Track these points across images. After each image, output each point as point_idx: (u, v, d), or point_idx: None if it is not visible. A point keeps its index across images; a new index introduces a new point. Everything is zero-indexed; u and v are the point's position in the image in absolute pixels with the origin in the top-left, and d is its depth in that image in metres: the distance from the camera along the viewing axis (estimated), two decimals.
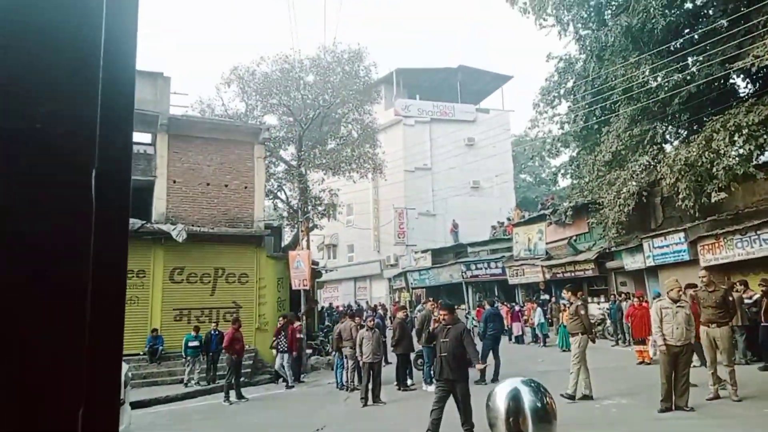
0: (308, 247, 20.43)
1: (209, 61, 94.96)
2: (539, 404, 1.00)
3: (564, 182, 26.97)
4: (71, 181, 0.62)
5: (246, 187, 17.99)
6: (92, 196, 0.62)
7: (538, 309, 19.73)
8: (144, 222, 15.19)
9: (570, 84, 19.57)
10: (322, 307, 23.13)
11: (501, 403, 1.00)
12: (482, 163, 35.21)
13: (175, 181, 16.30)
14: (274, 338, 14.55)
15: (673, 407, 7.48)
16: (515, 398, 1.00)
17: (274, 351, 14.54)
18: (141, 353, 14.64)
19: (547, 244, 23.65)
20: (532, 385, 1.03)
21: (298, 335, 14.97)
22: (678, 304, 7.65)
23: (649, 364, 11.84)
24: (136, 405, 11.13)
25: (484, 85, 39.15)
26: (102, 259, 0.62)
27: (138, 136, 16.91)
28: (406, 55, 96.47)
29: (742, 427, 6.63)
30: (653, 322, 7.84)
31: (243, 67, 20.75)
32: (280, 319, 14.89)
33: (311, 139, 22.13)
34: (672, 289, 7.77)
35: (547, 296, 23.38)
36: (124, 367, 4.58)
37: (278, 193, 23.39)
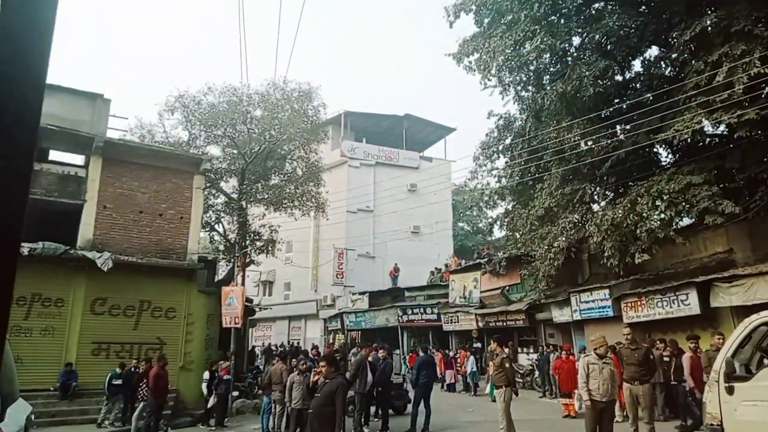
0: (243, 283, 19.83)
1: (154, 84, 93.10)
2: None
3: (499, 233, 27.80)
4: None
5: (182, 218, 17.44)
6: None
7: (471, 357, 19.91)
8: (67, 248, 14.33)
9: (508, 141, 20.46)
10: (252, 347, 22.30)
11: None
12: (423, 210, 35.84)
13: (105, 207, 15.58)
14: (138, 388, 12.65)
15: None
16: None
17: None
18: (51, 389, 13.55)
19: (481, 292, 24.08)
20: None
21: (225, 376, 14.31)
22: (604, 361, 7.87)
23: (574, 417, 12.10)
24: None
25: (428, 134, 40.35)
26: None
27: (70, 158, 16.15)
28: (354, 98, 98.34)
29: None
30: (580, 377, 8.02)
31: (189, 96, 20.42)
32: (143, 363, 13.08)
33: (254, 173, 21.86)
34: (600, 346, 7.98)
35: (479, 345, 23.65)
36: (27, 409, 4.21)
37: (216, 226, 22.78)
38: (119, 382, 13.55)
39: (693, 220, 14.04)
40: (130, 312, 15.63)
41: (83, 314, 14.71)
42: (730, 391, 6.14)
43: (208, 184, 19.24)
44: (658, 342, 12.16)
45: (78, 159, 16.27)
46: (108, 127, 16.24)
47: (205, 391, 14.12)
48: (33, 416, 4.40)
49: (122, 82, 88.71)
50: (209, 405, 14.13)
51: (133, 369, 13.98)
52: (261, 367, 19.76)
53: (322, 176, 24.81)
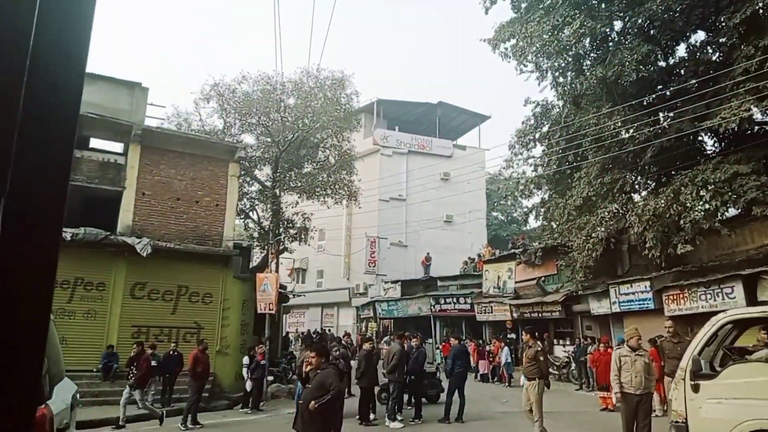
0: (277, 270, 20.07)
1: (190, 73, 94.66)
2: None
3: (535, 223, 27.41)
4: None
5: (217, 205, 17.68)
6: None
7: (505, 348, 19.71)
8: (108, 233, 14.71)
9: (545, 128, 20.03)
10: (287, 333, 22.60)
11: None
12: (456, 199, 35.53)
13: (144, 194, 15.91)
14: (128, 371, 12.34)
15: None
16: None
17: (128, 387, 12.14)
18: (94, 370, 13.99)
19: (516, 283, 23.81)
20: None
21: (261, 361, 14.51)
22: (637, 353, 7.71)
23: (612, 410, 11.85)
24: (84, 425, 10.56)
25: (461, 122, 39.85)
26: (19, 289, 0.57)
27: (110, 146, 16.52)
28: (387, 86, 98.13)
29: None
30: (612, 370, 7.92)
31: (224, 85, 20.63)
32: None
33: (288, 162, 21.99)
34: (631, 338, 7.88)
35: (514, 335, 23.43)
36: (72, 388, 4.32)
37: (250, 213, 23.05)
38: (153, 363, 13.89)
39: (740, 210, 13.48)
40: (168, 297, 15.99)
41: (123, 298, 15.11)
42: (696, 389, 6.24)
43: (242, 172, 19.44)
44: None
45: (117, 147, 16.63)
46: (146, 116, 16.54)
47: (245, 375, 14.37)
48: (78, 395, 4.50)
49: (159, 71, 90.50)
50: (248, 389, 14.38)
51: (171, 352, 14.31)
52: (295, 352, 19.98)
53: (354, 164, 24.80)
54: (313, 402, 5.95)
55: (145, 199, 15.96)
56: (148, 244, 15.22)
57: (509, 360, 19.37)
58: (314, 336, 22.19)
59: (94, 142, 16.44)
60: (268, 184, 21.68)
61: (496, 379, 20.10)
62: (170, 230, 16.38)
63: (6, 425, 0.51)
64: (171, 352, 14.30)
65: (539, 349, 9.86)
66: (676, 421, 6.43)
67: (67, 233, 13.68)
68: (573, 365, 18.08)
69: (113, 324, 14.83)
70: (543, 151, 20.65)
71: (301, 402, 6.33)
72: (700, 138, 16.37)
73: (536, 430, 9.03)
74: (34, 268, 0.59)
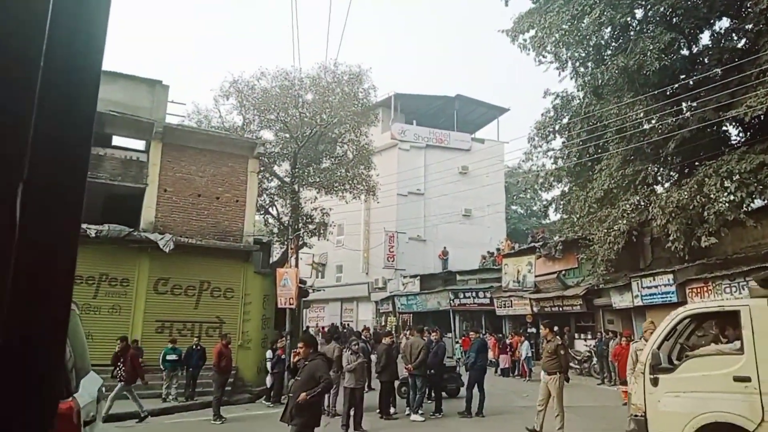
0: (297, 265, 20.21)
1: (208, 70, 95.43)
2: None
3: (555, 216, 27.16)
4: None
5: (237, 201, 17.85)
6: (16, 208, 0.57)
7: (525, 342, 19.61)
8: (131, 230, 14.95)
9: (565, 120, 19.82)
10: (307, 327, 22.78)
11: None
12: (475, 192, 35.34)
13: (166, 190, 16.12)
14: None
15: None
16: None
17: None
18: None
19: (536, 276, 23.66)
20: None
21: (282, 356, 14.65)
22: None
23: None
24: (110, 419, 10.79)
25: (479, 115, 39.59)
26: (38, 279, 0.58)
27: (131, 143, 16.78)
28: (403, 79, 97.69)
29: None
30: (628, 364, 7.92)
31: (243, 81, 20.75)
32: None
33: (306, 157, 22.09)
34: (647, 331, 7.89)
35: (534, 329, 23.30)
36: (98, 381, 4.42)
37: (269, 209, 23.21)
38: (173, 357, 14.13)
39: (766, 201, 13.20)
40: (190, 292, 16.21)
41: (147, 293, 15.36)
42: (655, 382, 6.35)
43: (261, 168, 19.58)
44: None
45: (139, 144, 16.88)
46: (166, 113, 16.74)
47: (270, 368, 14.57)
48: (104, 389, 4.60)
49: (177, 69, 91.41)
50: (268, 384, 14.56)
51: (194, 347, 14.52)
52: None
53: (372, 159, 24.82)
54: (304, 394, 5.97)
55: (166, 195, 16.18)
56: (170, 240, 15.44)
57: (529, 354, 19.27)
58: (338, 330, 22.38)
59: (117, 140, 16.69)
60: (287, 179, 21.81)
61: (516, 373, 20.02)
62: (192, 226, 16.59)
63: (28, 419, 0.52)
64: (194, 347, 14.50)
65: (559, 343, 9.80)
66: (636, 415, 6.53)
67: (92, 230, 13.95)
68: (594, 360, 17.93)
69: (137, 319, 15.10)
70: (563, 143, 20.47)
71: (291, 394, 6.34)
72: (724, 128, 16.05)
73: (557, 424, 8.99)
74: (53, 257, 0.59)
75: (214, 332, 16.17)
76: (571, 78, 19.23)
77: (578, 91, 19.34)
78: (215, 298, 16.78)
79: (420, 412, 11.40)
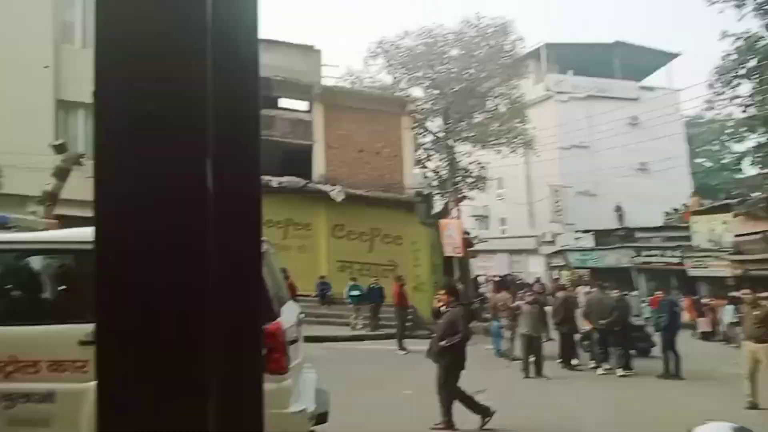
0: (459, 218, 20.41)
1: (352, 35, 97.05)
2: None
3: (752, 170, 24.18)
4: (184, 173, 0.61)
5: (396, 156, 18.71)
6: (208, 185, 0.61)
7: (728, 306, 17.43)
8: (306, 182, 16.56)
9: (752, 63, 17.67)
10: (476, 276, 22.81)
11: None
12: (649, 144, 32.24)
13: (330, 146, 17.54)
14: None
15: None
16: None
17: None
18: (312, 295, 15.89)
19: (735, 236, 21.06)
20: None
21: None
22: None
23: None
24: (310, 339, 12.00)
25: (645, 62, 36.16)
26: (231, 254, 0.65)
27: (295, 104, 18.54)
28: (550, 29, 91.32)
29: None
30: None
31: (388, 41, 21.69)
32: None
33: (458, 112, 22.28)
34: None
35: (737, 293, 20.67)
36: (296, 309, 5.13)
37: (426, 163, 23.78)
38: (356, 293, 15.32)
39: None
40: (364, 237, 17.55)
41: (327, 237, 17.11)
42: None
43: (415, 124, 20.21)
44: None
45: (303, 106, 18.57)
46: (321, 76, 18.28)
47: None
48: (303, 315, 5.33)
49: (324, 32, 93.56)
50: None
51: (372, 285, 15.61)
52: (486, 294, 20.08)
53: (526, 112, 24.12)
54: (444, 341, 6.51)
55: (332, 151, 17.59)
56: (341, 191, 16.79)
57: (734, 320, 17.03)
58: (513, 281, 22.20)
59: (283, 103, 18.59)
60: (441, 134, 22.16)
61: (717, 338, 17.94)
62: (358, 179, 17.81)
63: (241, 337, 0.65)
64: (373, 285, 15.58)
65: None
66: None
67: (273, 181, 15.71)
68: None
69: (322, 258, 16.82)
70: (753, 88, 18.31)
71: (434, 335, 6.95)
72: None
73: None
74: (244, 204, 0.69)
75: (389, 273, 17.11)
76: (755, 16, 17.02)
77: (766, 30, 17.10)
78: (386, 244, 17.81)
79: (606, 366, 11.06)
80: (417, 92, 22.56)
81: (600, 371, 10.98)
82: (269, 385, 3.39)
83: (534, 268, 31.77)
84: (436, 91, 22.02)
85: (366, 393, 7.91)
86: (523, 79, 25.07)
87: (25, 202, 11.30)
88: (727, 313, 17.33)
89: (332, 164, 17.53)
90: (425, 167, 23.66)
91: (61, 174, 10.36)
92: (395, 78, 22.35)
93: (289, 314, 4.40)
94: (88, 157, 11.38)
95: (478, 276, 23.18)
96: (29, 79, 12.91)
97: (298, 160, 17.06)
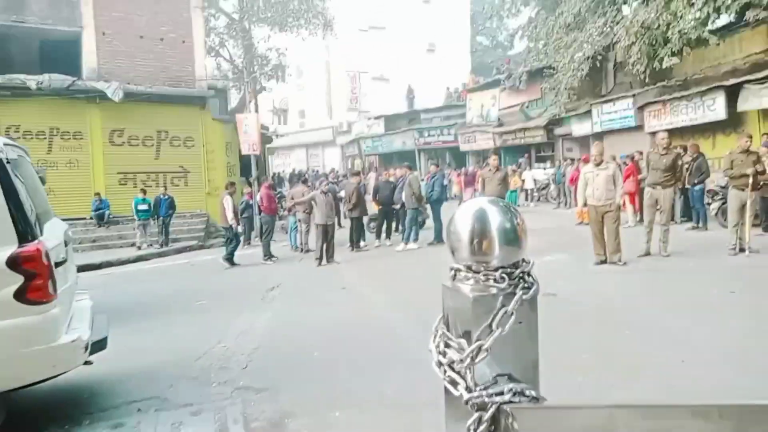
0: (257, 111, 19.62)
1: None
2: (508, 225, 0.90)
3: (521, 45, 26.28)
4: None
5: (184, 42, 16.67)
6: None
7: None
8: (75, 78, 13.99)
9: None
10: (275, 173, 22.85)
11: (464, 224, 0.89)
12: (439, 24, 33.55)
13: (104, 33, 14.85)
14: None
15: (607, 261, 8.04)
16: (481, 219, 0.89)
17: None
18: (87, 217, 14.31)
19: (500, 110, 23.63)
20: (500, 204, 0.93)
21: (249, 201, 14.81)
22: (599, 167, 8.00)
23: (587, 224, 12.51)
24: (86, 268, 11.07)
25: None
26: None
27: None
28: None
29: (670, 279, 7.24)
30: (579, 185, 8.37)
31: None
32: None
33: None
34: (596, 155, 8.14)
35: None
36: (63, 227, 4.40)
37: (221, 51, 21.80)
38: (145, 207, 14.15)
39: (731, 17, 12.91)
40: (148, 142, 15.80)
41: (104, 146, 14.93)
42: None
43: (206, 4, 17.95)
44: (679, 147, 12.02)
45: None
46: None
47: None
48: (71, 233, 4.60)
49: None
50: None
51: (161, 196, 14.50)
52: (284, 192, 20.41)
53: None
54: None
55: (106, 39, 14.92)
56: (119, 88, 14.60)
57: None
58: (301, 175, 22.49)
59: None
60: (236, 16, 20.18)
61: None
62: (139, 72, 15.61)
63: None
64: (161, 196, 14.50)
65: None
66: None
67: (31, 81, 13.00)
68: (552, 186, 18.73)
69: (98, 172, 14.84)
70: None
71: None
72: None
73: None
74: None
75: (180, 181, 16.12)
76: None
77: None
78: (175, 147, 16.43)
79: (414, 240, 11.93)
80: None
81: (376, 244, 12.21)
82: (31, 318, 3.19)
83: (330, 160, 32.61)
84: None
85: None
86: None
87: None
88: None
89: (106, 55, 14.84)
90: (220, 55, 21.60)
91: None
92: None
93: (54, 232, 3.99)
94: None
95: (275, 174, 23.14)
96: None
97: (64, 53, 14.12)
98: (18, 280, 3.11)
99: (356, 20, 29.51)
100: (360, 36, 30.74)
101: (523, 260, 0.94)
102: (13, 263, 3.12)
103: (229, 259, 11.27)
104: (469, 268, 0.92)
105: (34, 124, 13.38)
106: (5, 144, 3.48)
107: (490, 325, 0.85)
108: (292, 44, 22.77)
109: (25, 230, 3.23)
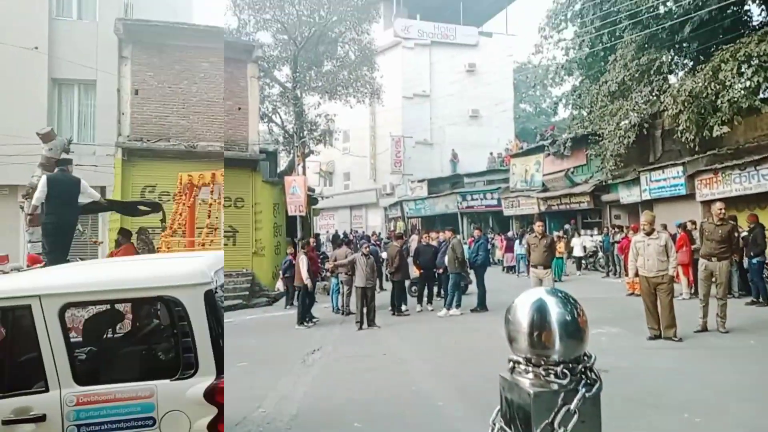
0: (304, 173, 20.24)
1: None
2: (569, 317, 0.89)
3: (564, 113, 26.44)
4: None
5: (239, 108, 17.52)
6: None
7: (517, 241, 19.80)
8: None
9: (578, 6, 18.78)
10: (317, 234, 23.16)
11: (524, 315, 0.89)
12: (483, 90, 34.16)
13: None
14: None
15: (662, 336, 7.65)
16: (541, 310, 0.89)
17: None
18: None
19: (544, 175, 23.55)
20: (560, 295, 0.92)
21: (292, 261, 14.95)
22: (650, 237, 7.76)
23: (639, 295, 12.02)
24: None
25: (488, 5, 37.02)
26: None
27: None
28: None
29: (729, 357, 6.81)
30: (630, 255, 8.15)
31: None
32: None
33: (307, 60, 21.34)
34: (646, 224, 7.93)
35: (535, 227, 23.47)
36: None
37: (273, 117, 22.83)
38: None
39: None
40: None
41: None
42: None
43: (261, 74, 19.00)
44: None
45: None
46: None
47: (282, 273, 14.94)
48: None
49: None
50: (280, 288, 15.04)
51: None
52: (327, 252, 20.60)
53: (375, 60, 23.94)
54: None
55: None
56: None
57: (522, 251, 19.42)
58: (342, 237, 22.73)
59: None
60: (289, 85, 21.23)
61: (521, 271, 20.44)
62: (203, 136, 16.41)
63: None
64: None
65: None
66: None
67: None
68: (600, 254, 18.24)
69: None
70: (575, 32, 19.53)
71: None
72: (746, 7, 15.14)
73: None
74: None
75: (228, 241, 16.48)
76: None
77: None
78: (226, 207, 16.93)
79: (421, 307, 12.04)
80: (265, 37, 21.01)
81: (418, 309, 12.06)
82: None
83: (373, 222, 32.99)
84: (285, 36, 20.72)
85: None
86: (373, 23, 24.61)
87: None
88: (517, 247, 19.03)
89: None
90: (272, 121, 22.64)
91: (47, 165, 8.49)
92: (241, 21, 20.39)
93: None
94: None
95: (318, 234, 23.50)
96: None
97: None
98: (212, 412, 3.13)
99: (401, 88, 30.50)
100: (405, 102, 31.65)
101: (585, 354, 0.92)
102: (210, 396, 3.15)
103: (302, 319, 11.27)
104: (528, 360, 0.91)
105: None
106: (216, 271, 3.54)
107: (551, 424, 0.83)
108: (340, 110, 23.65)
109: (221, 362, 3.27)
